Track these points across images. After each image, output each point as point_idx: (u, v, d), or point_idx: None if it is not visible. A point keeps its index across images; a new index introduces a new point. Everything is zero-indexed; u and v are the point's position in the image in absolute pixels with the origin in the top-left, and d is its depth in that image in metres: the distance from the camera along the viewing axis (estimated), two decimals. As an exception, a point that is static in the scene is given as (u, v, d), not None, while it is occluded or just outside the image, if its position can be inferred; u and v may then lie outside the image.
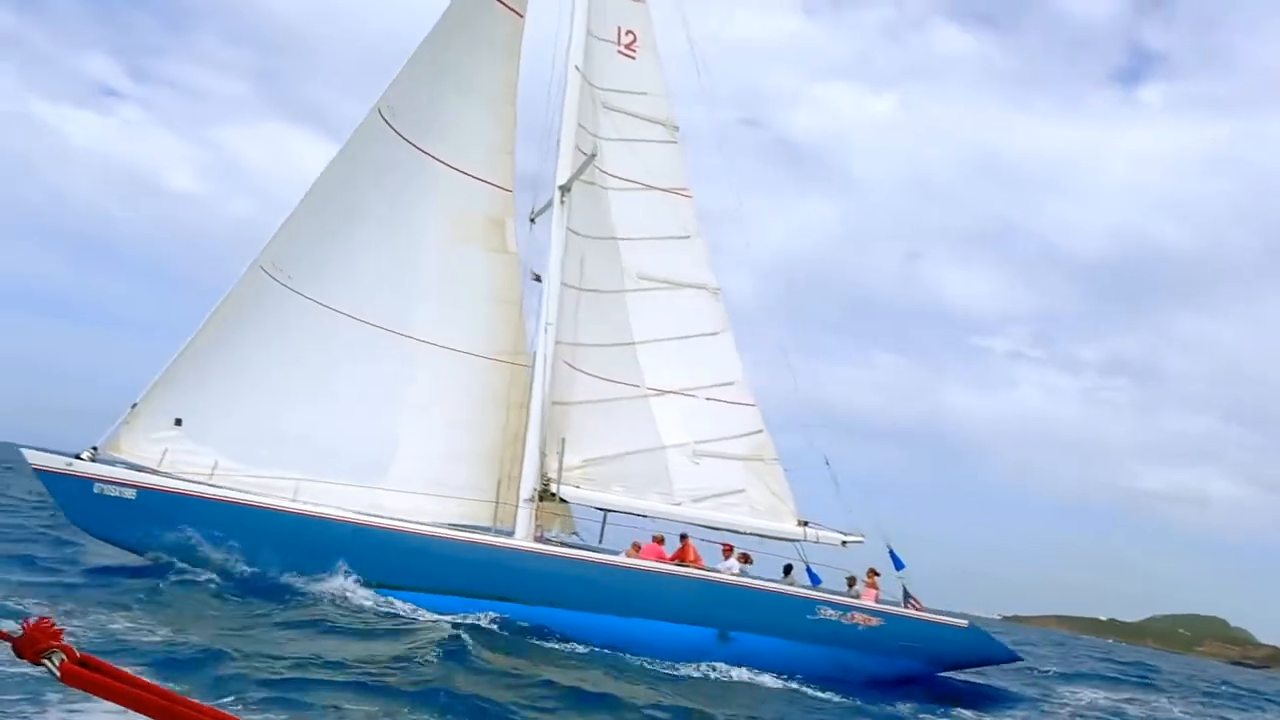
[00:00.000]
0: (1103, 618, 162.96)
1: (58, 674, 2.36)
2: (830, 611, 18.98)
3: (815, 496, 21.61)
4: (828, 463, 21.00)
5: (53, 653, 2.40)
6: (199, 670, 10.02)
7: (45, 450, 15.92)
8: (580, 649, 16.56)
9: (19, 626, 2.45)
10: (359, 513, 17.08)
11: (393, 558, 16.65)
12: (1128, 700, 25.49)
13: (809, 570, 20.74)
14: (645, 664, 16.54)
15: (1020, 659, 22.65)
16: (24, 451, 15.82)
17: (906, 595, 20.53)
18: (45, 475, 15.55)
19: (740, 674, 17.23)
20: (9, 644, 2.43)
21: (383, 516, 17.16)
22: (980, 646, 20.55)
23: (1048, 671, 31.98)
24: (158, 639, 11.27)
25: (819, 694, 16.88)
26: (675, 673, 16.36)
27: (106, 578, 15.41)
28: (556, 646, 16.35)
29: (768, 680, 17.22)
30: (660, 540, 19.40)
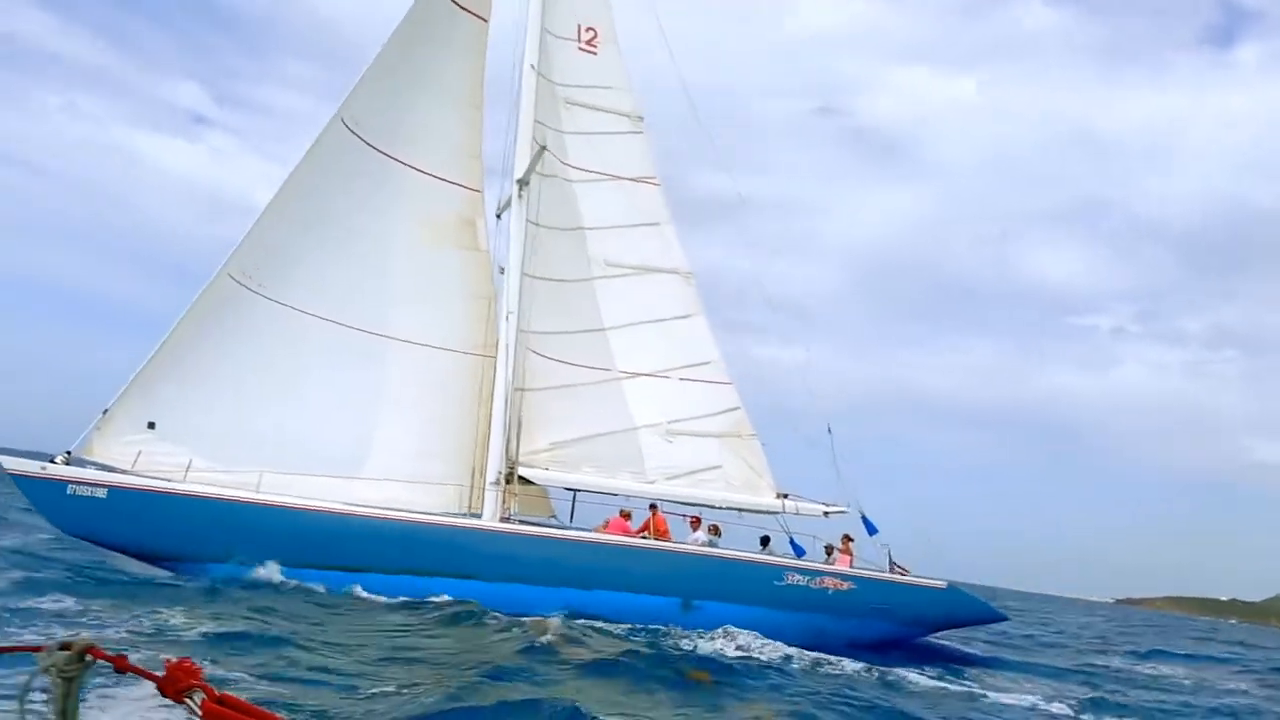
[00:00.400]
0: (1223, 598, 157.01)
1: (199, 712, 2.48)
2: (798, 577, 19.32)
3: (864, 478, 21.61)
4: (830, 430, 21.42)
5: (194, 691, 2.52)
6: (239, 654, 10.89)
7: (19, 455, 17.21)
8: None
9: (162, 665, 2.58)
10: (334, 503, 17.91)
11: (358, 543, 17.49)
12: (1185, 675, 24.93)
13: (792, 541, 21.05)
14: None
15: (1006, 618, 22.57)
16: (1, 459, 17.09)
17: (891, 561, 20.74)
18: (20, 479, 16.75)
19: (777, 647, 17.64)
20: (153, 683, 2.57)
21: (353, 505, 17.97)
22: (960, 607, 20.68)
23: (1116, 650, 31.50)
24: (203, 630, 12.12)
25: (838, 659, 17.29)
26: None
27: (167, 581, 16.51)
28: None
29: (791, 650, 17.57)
30: (627, 515, 19.98)
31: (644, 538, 19.63)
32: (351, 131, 19.89)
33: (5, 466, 16.84)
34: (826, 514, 21.16)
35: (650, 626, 17.64)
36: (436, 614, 16.37)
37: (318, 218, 19.52)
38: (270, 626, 12.99)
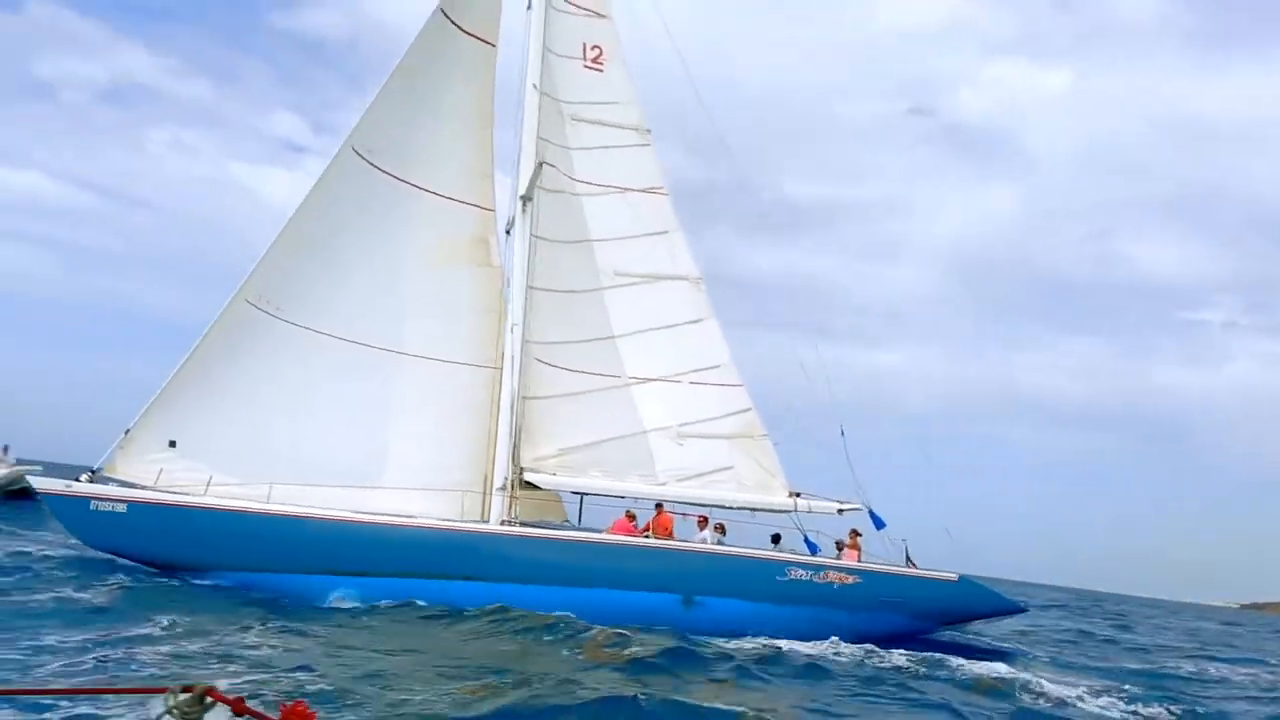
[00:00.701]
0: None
1: None
2: (801, 572, 19.54)
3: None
4: (843, 433, 21.76)
5: None
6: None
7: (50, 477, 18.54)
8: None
9: (276, 709, 2.74)
10: (341, 511, 18.75)
11: (361, 549, 18.32)
12: (1272, 680, 24.08)
13: (806, 539, 21.29)
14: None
15: (1024, 609, 22.29)
16: (30, 479, 18.45)
17: (908, 556, 20.81)
18: (48, 497, 18.04)
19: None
20: None
21: (358, 512, 18.79)
22: (973, 599, 20.63)
23: (1207, 654, 30.61)
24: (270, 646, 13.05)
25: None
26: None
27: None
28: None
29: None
30: (632, 516, 20.47)
31: (647, 537, 20.06)
32: (363, 158, 20.79)
33: (34, 486, 18.15)
34: (840, 511, 21.37)
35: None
36: (492, 624, 16.99)
37: (331, 242, 20.45)
38: (334, 640, 13.80)
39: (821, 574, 19.62)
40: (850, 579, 19.71)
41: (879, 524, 20.64)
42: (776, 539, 20.95)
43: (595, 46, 23.32)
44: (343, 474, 19.31)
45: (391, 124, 21.18)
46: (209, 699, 2.82)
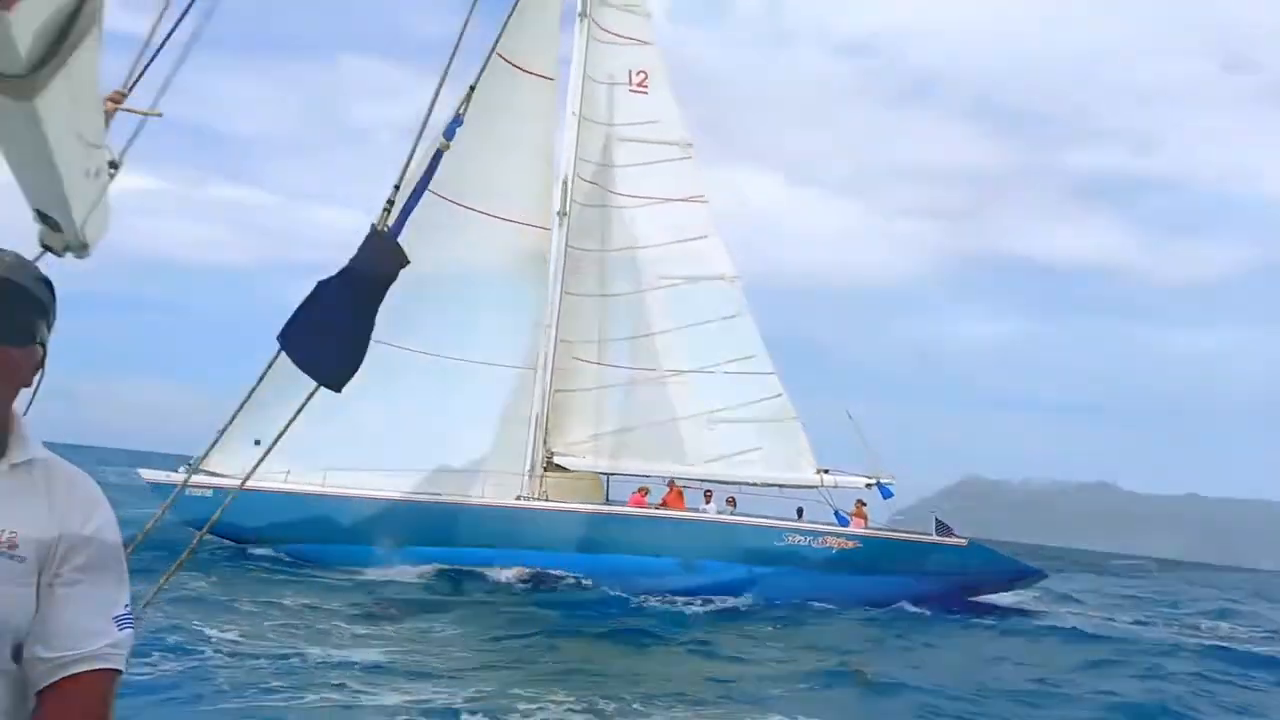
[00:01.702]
0: None
1: None
2: (799, 537, 20.96)
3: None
4: (850, 416, 23.39)
5: None
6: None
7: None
8: None
9: None
10: (405, 492, 21.81)
11: (390, 521, 21.25)
12: None
13: (836, 513, 22.60)
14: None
15: (1043, 575, 22.50)
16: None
17: (939, 525, 21.78)
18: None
19: None
20: None
21: (410, 493, 21.78)
22: (983, 564, 21.28)
23: None
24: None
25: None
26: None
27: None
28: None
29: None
30: (645, 491, 22.49)
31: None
32: (430, 191, 23.89)
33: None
34: (869, 485, 22.58)
35: None
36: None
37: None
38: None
39: (819, 539, 20.94)
40: (850, 544, 20.92)
41: (886, 494, 21.72)
42: (800, 513, 22.39)
43: (640, 71, 25.55)
44: (404, 462, 22.34)
45: (454, 158, 24.06)
46: None
